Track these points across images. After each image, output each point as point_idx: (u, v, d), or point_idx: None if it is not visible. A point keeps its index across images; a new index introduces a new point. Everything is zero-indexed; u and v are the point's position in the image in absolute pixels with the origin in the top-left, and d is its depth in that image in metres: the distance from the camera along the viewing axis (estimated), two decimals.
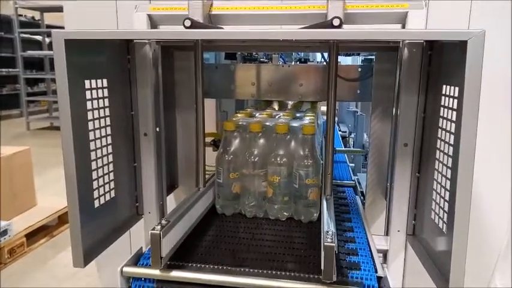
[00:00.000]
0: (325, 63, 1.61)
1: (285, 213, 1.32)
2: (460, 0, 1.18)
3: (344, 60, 3.06)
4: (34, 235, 2.83)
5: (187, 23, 0.99)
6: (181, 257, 1.04)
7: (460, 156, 0.77)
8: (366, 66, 1.54)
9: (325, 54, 1.68)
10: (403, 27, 1.07)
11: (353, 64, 1.97)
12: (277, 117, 1.51)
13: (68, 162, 0.93)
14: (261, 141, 1.33)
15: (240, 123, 1.36)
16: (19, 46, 7.24)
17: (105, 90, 1.08)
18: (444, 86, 0.93)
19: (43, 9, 7.50)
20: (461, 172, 0.78)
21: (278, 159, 1.28)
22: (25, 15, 7.93)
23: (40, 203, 3.10)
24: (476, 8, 1.20)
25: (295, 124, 1.34)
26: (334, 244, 0.84)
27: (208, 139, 2.27)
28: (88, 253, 0.98)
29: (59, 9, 1.52)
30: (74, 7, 1.40)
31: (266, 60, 2.34)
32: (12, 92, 8.27)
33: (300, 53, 2.59)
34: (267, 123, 1.36)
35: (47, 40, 7.92)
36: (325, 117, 2.58)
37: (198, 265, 1.00)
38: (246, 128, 1.34)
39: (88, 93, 1.01)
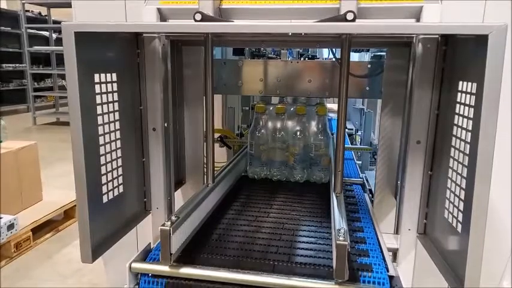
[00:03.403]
0: (334, 59, 1.59)
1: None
2: None
3: (351, 57, 3.02)
4: (40, 230, 2.83)
5: (198, 16, 0.97)
6: (191, 253, 1.03)
7: (479, 155, 0.75)
8: (375, 63, 1.52)
9: (334, 51, 1.66)
10: (418, 22, 1.05)
11: (363, 61, 1.94)
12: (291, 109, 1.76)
13: (77, 157, 0.92)
14: (284, 120, 1.72)
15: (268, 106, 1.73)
16: (26, 41, 7.25)
17: (114, 85, 1.07)
18: (460, 82, 0.91)
19: (50, 5, 7.51)
20: (479, 171, 0.76)
21: (298, 134, 1.67)
22: (32, 11, 7.94)
23: (46, 198, 3.11)
24: (491, 4, 1.17)
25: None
26: (346, 242, 0.82)
27: (215, 135, 2.26)
28: (96, 248, 0.98)
29: (66, 5, 1.51)
30: (83, 2, 1.39)
31: (274, 56, 2.32)
32: (19, 87, 8.31)
33: (307, 50, 2.56)
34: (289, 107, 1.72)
35: (54, 36, 7.94)
36: (331, 115, 2.54)
37: (209, 258, 1.00)
38: (272, 111, 1.71)
39: (97, 87, 1.00)
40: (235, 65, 1.64)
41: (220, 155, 2.39)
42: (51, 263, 2.52)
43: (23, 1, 7.05)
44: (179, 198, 1.50)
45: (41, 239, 2.81)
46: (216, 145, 2.27)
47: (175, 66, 1.40)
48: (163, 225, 0.91)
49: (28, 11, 7.58)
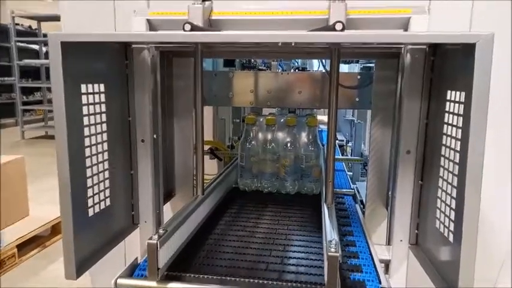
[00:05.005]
0: (323, 71, 1.60)
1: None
2: (461, 6, 1.17)
3: (341, 69, 3.06)
4: (26, 246, 2.76)
5: (187, 27, 0.97)
6: (179, 267, 1.00)
7: (469, 163, 0.75)
8: (365, 74, 1.54)
9: (324, 63, 1.67)
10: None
11: (352, 72, 1.96)
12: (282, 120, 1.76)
13: (61, 169, 0.90)
14: (274, 132, 1.71)
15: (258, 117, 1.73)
16: (15, 55, 7.20)
17: (102, 95, 1.06)
18: (449, 92, 0.91)
19: (40, 19, 7.49)
20: (469, 179, 0.76)
21: (288, 145, 1.66)
22: (22, 25, 7.91)
23: (33, 213, 3.04)
24: (477, 16, 1.19)
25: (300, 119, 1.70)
26: (338, 254, 0.80)
27: (205, 147, 2.25)
28: (81, 264, 0.94)
29: (56, 18, 1.50)
30: (71, 13, 1.38)
31: (264, 68, 2.33)
32: (8, 101, 8.20)
33: (297, 62, 2.59)
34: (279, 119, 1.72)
35: (44, 49, 7.89)
36: (322, 127, 2.55)
37: (198, 273, 0.97)
38: (263, 122, 1.71)
39: (84, 97, 0.98)
40: (226, 77, 1.64)
41: (211, 167, 2.37)
42: (37, 280, 2.44)
43: (12, 14, 7.02)
44: (168, 211, 1.48)
45: (27, 256, 2.73)
46: (207, 157, 2.25)
47: (165, 78, 1.39)
48: (150, 238, 0.89)
49: (18, 24, 7.55)
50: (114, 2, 1.32)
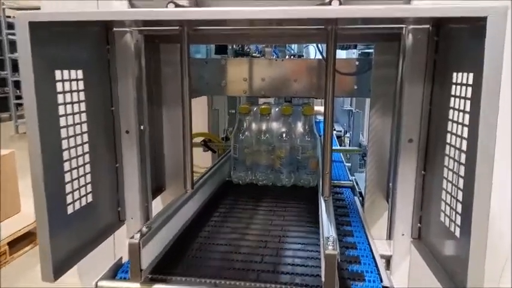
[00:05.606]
0: (321, 56, 1.53)
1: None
2: None
3: (339, 55, 2.98)
4: (18, 242, 2.70)
5: (171, 6, 0.89)
6: (165, 268, 0.93)
7: (479, 151, 0.68)
8: (363, 60, 1.46)
9: (321, 49, 1.60)
10: None
11: (350, 58, 1.89)
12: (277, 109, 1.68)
13: (34, 164, 0.82)
14: (269, 122, 1.63)
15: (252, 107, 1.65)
16: (7, 48, 7.06)
17: (81, 83, 0.98)
18: (454, 74, 0.84)
19: (31, 10, 7.34)
20: (479, 168, 0.68)
21: (284, 136, 1.59)
22: (13, 16, 7.76)
23: (24, 209, 2.97)
24: None
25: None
26: (336, 252, 0.74)
27: (199, 139, 2.18)
28: (58, 266, 0.87)
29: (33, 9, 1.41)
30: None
31: (258, 55, 2.25)
32: (1, 95, 8.08)
33: (293, 49, 2.50)
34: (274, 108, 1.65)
35: None
36: (320, 118, 2.48)
37: (185, 274, 0.90)
38: (257, 112, 1.63)
39: (59, 85, 0.90)
40: (218, 64, 1.57)
41: (205, 159, 2.30)
42: (27, 278, 2.38)
43: (3, 6, 6.87)
44: (159, 207, 1.41)
45: (19, 253, 2.67)
46: (200, 149, 2.18)
47: (151, 65, 1.31)
48: (132, 237, 0.82)
49: (9, 16, 7.40)
50: None
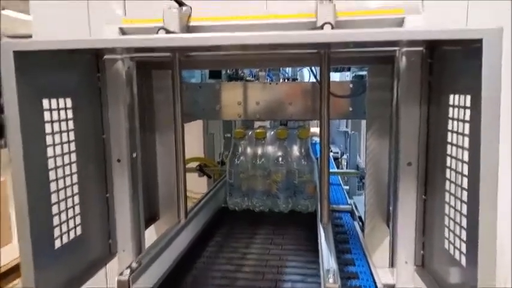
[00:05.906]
0: (314, 80, 1.52)
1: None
2: (455, 4, 1.10)
3: (333, 78, 2.99)
4: (9, 275, 2.60)
5: (162, 32, 0.88)
6: None
7: (482, 175, 0.65)
8: (357, 82, 1.46)
9: (315, 72, 1.60)
10: None
11: (344, 80, 1.89)
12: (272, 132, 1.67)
13: (18, 195, 0.79)
14: (264, 146, 1.61)
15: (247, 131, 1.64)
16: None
17: (70, 112, 0.96)
18: (451, 96, 0.82)
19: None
20: (483, 194, 0.66)
21: (280, 159, 1.57)
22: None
23: (17, 240, 2.88)
24: (473, 14, 1.12)
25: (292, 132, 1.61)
26: (337, 285, 0.70)
27: (193, 164, 2.14)
28: None
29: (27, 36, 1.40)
30: (42, 23, 1.28)
31: (252, 79, 2.25)
32: None
33: (287, 72, 2.51)
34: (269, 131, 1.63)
35: None
36: (316, 139, 2.45)
37: None
38: (252, 136, 1.61)
39: (47, 114, 0.88)
40: (212, 88, 1.56)
41: (201, 184, 2.26)
42: None
43: None
44: (153, 237, 1.35)
45: (9, 285, 2.57)
46: (195, 175, 2.14)
47: (143, 91, 1.29)
48: (121, 274, 0.77)
49: None
50: (88, 12, 1.22)
